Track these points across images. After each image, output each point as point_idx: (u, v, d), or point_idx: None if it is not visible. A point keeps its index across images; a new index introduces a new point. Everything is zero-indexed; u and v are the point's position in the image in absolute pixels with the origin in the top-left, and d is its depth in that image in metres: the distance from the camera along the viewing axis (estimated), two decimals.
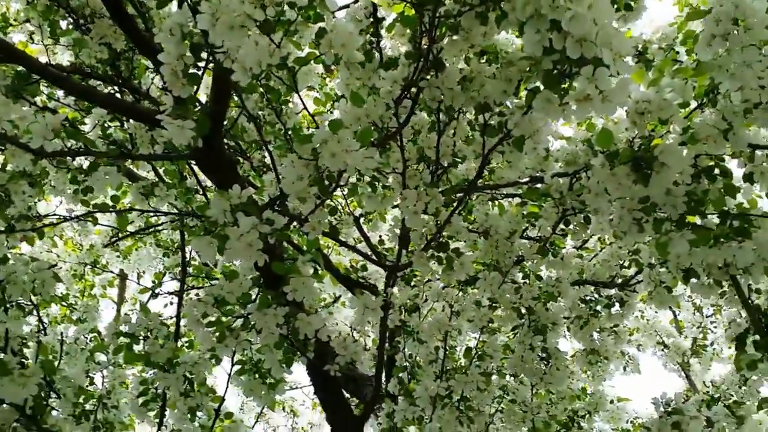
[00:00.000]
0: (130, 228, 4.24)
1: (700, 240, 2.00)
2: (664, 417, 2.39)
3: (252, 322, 2.21)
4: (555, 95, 1.41)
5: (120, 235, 4.09)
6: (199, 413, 3.32)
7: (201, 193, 3.32)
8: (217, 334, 2.23)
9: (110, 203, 2.41)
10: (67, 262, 5.34)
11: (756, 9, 1.58)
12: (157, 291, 4.61)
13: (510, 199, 3.61)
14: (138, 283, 6.38)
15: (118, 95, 2.82)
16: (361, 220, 3.99)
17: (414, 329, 3.28)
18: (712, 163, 2.23)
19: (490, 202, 3.58)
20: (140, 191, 3.36)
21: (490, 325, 3.16)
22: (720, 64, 1.64)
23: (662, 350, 5.01)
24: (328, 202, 1.99)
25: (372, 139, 2.02)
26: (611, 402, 4.88)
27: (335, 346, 2.36)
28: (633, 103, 2.00)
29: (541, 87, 1.43)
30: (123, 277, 6.33)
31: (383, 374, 2.69)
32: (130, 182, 3.15)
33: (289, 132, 2.30)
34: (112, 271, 5.13)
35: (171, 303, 4.89)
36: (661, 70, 2.09)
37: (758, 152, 2.25)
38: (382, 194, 2.51)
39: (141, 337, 2.82)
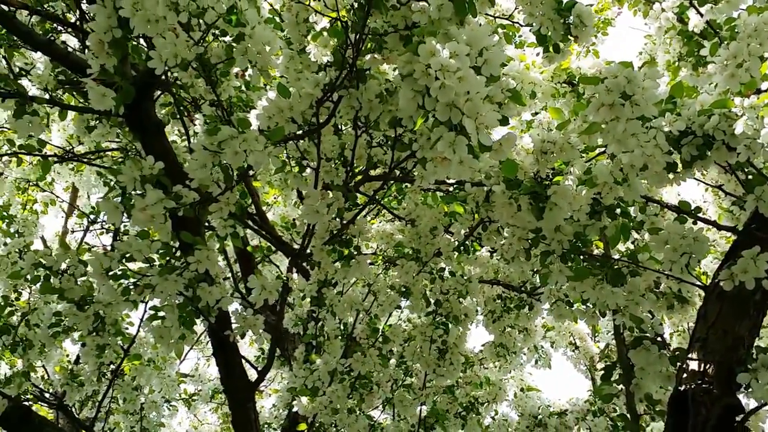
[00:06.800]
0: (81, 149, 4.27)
1: (577, 277, 2.14)
2: (530, 428, 2.58)
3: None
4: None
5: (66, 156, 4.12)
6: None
7: None
8: (120, 289, 2.32)
9: (37, 146, 2.46)
10: (13, 174, 5.32)
11: (646, 86, 1.68)
12: (95, 219, 4.68)
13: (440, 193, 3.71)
14: (88, 199, 6.42)
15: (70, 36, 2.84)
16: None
17: (329, 302, 3.41)
18: (614, 203, 2.38)
19: (423, 192, 3.69)
20: (84, 125, 3.41)
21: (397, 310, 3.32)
22: (608, 129, 1.75)
23: (572, 351, 5.24)
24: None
25: (287, 134, 2.11)
26: (521, 390, 5.11)
27: (234, 318, 2.48)
28: (538, 142, 2.11)
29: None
30: (75, 189, 6.36)
31: (276, 348, 2.81)
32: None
33: (222, 102, 2.35)
34: (53, 193, 5.14)
35: (107, 231, 4.97)
36: (576, 113, 2.19)
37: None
38: (306, 178, 2.59)
39: (59, 272, 2.88)
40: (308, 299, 3.52)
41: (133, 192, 2.03)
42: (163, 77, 2.61)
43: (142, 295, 2.41)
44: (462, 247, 3.23)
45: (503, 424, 4.43)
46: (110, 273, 2.32)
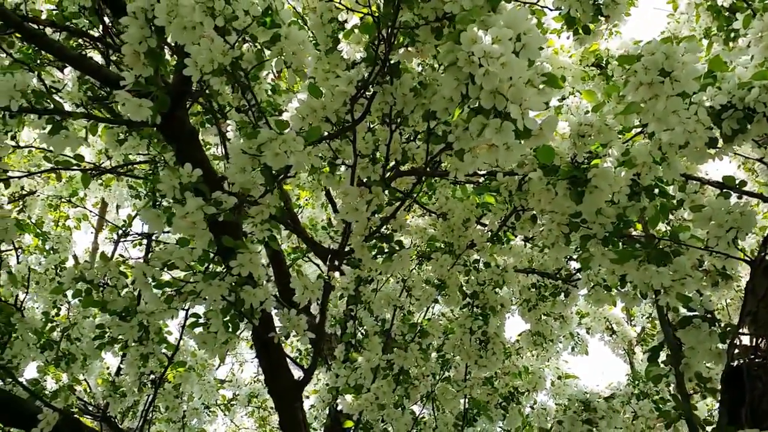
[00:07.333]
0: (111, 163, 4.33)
1: (621, 260, 2.12)
2: (577, 413, 2.56)
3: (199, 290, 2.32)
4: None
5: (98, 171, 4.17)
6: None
7: None
8: (164, 297, 2.35)
9: (74, 161, 2.48)
10: (45, 192, 5.41)
11: (686, 61, 1.66)
12: (127, 231, 4.73)
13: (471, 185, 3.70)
14: (117, 213, 6.51)
15: (95, 52, 2.87)
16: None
17: (366, 299, 3.42)
18: (653, 183, 2.36)
19: (452, 185, 3.68)
20: (115, 138, 3.45)
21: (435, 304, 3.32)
22: (648, 108, 1.74)
23: (609, 336, 5.21)
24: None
25: (324, 133, 2.12)
26: (559, 378, 5.09)
27: (278, 318, 2.49)
28: (575, 125, 2.10)
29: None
30: (104, 204, 6.45)
31: (319, 347, 2.82)
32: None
33: (254, 108, 2.36)
34: (86, 207, 5.21)
35: (141, 243, 5.02)
36: (608, 94, 2.17)
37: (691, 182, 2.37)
38: (339, 177, 2.60)
39: (100, 285, 2.89)
40: (344, 299, 3.53)
41: (171, 200, 2.05)
42: (195, 85, 2.64)
43: (185, 302, 2.43)
44: (495, 238, 3.22)
45: (542, 413, 4.41)
46: (153, 282, 2.35)
